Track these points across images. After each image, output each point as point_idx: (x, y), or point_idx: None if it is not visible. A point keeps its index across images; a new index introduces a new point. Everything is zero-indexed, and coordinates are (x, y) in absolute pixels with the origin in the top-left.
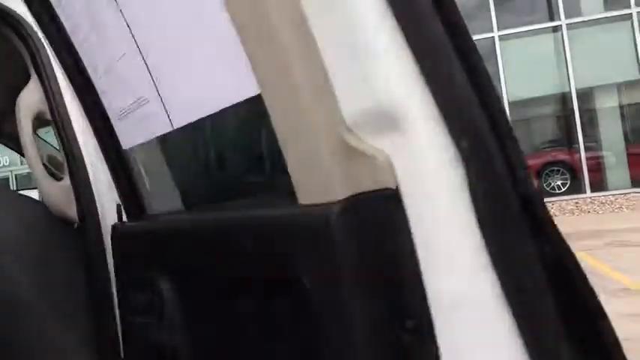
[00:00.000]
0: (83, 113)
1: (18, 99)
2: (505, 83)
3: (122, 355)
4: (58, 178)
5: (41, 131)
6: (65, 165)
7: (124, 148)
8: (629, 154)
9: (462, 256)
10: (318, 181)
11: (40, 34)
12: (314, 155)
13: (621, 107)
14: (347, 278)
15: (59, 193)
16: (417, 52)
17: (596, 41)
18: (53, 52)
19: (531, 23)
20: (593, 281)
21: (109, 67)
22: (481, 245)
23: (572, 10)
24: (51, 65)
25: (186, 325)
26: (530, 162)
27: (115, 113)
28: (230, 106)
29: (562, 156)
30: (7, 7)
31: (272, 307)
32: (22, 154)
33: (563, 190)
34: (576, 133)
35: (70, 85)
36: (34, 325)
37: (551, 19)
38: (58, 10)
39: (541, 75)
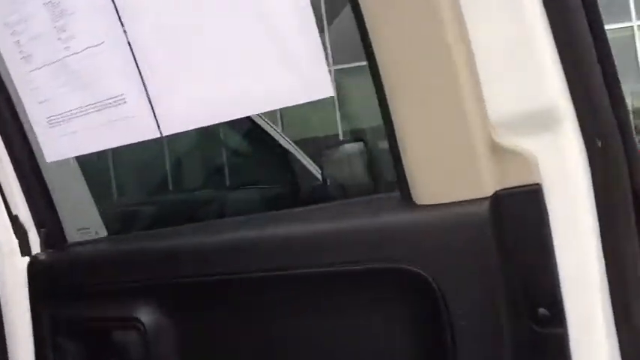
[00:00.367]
0: None
1: None
2: None
3: None
4: None
5: None
6: None
7: (48, 160)
8: None
9: (587, 245)
10: (460, 179)
11: None
12: (457, 154)
13: None
14: (494, 273)
15: None
16: (564, 56)
17: None
18: None
19: None
20: None
21: (57, 56)
22: (599, 234)
23: None
24: None
25: None
26: None
27: (44, 116)
28: None
29: None
30: None
31: (397, 310)
32: None
33: None
34: None
35: None
36: None
37: None
38: None
39: None
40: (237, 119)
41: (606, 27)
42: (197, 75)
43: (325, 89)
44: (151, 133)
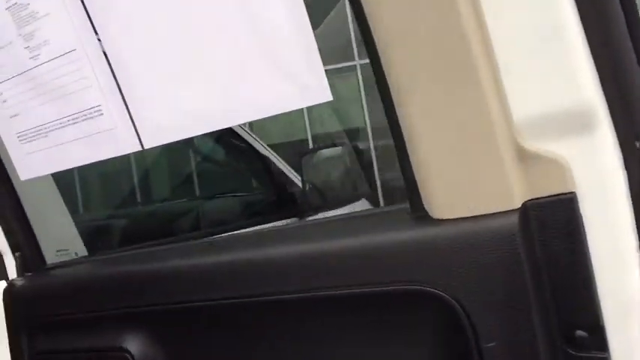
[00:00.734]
0: None
1: None
2: None
3: None
4: None
5: None
6: None
7: (22, 178)
8: None
9: (627, 258)
10: (483, 190)
11: None
12: (478, 161)
13: None
14: (526, 294)
15: None
16: (597, 51)
17: None
18: None
19: None
20: None
21: (25, 67)
22: (638, 247)
23: None
24: None
25: None
26: None
27: (15, 132)
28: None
29: None
30: None
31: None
32: None
33: None
34: None
35: None
36: None
37: None
38: None
39: None
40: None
41: None
42: (180, 83)
43: (323, 94)
44: (131, 147)
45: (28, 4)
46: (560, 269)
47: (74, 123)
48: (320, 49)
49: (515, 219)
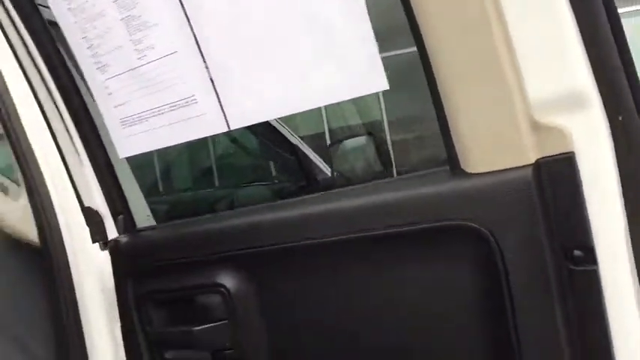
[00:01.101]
0: (43, 127)
1: None
2: None
3: None
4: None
5: None
6: (22, 184)
7: (121, 157)
8: None
9: (612, 200)
10: (506, 156)
11: None
12: (503, 130)
13: None
14: (538, 224)
15: (16, 215)
16: (588, 46)
17: None
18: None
19: None
20: None
21: (132, 65)
22: (620, 192)
23: None
24: (2, 79)
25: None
26: None
27: (118, 118)
28: None
29: None
30: None
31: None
32: None
33: None
34: None
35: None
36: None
37: None
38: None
39: None
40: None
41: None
42: (261, 74)
43: (380, 83)
44: (219, 128)
45: (140, 15)
46: (562, 206)
47: (171, 110)
48: None
49: (529, 171)
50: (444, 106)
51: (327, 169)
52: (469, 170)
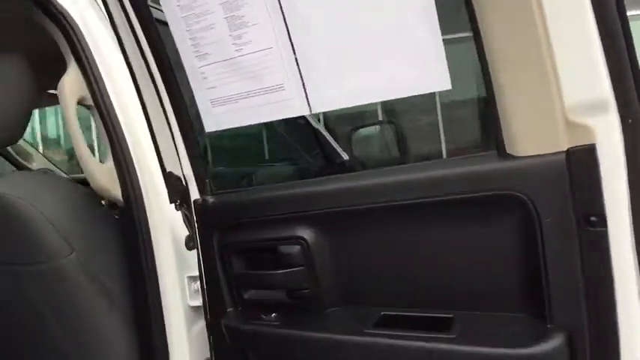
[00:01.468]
0: (132, 100)
1: (60, 85)
2: None
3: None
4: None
5: None
6: (108, 148)
7: (207, 130)
8: None
9: (620, 182)
10: (545, 142)
11: (81, 24)
12: (542, 121)
13: None
14: (567, 196)
15: (104, 176)
16: (609, 60)
17: None
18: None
19: None
20: None
21: (229, 56)
22: (626, 176)
23: None
24: (91, 53)
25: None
26: None
27: (209, 99)
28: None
29: None
30: None
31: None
32: None
33: None
34: None
35: (156, 71)
36: (76, 295)
37: None
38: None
39: None
40: None
41: None
42: (342, 67)
43: (444, 83)
44: (302, 111)
45: (243, 16)
46: (585, 184)
47: (260, 95)
48: None
49: (563, 156)
50: (497, 103)
51: (341, 152)
52: (514, 154)
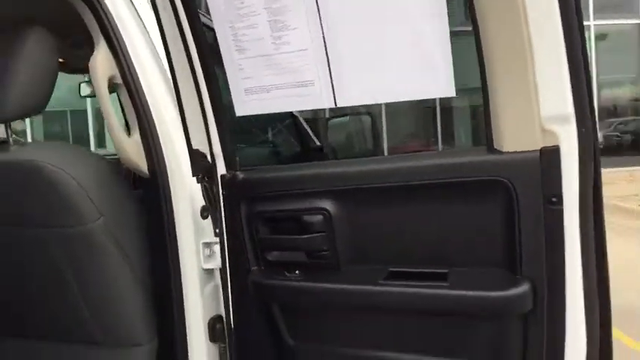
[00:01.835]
0: (162, 79)
1: (91, 62)
2: None
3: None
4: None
5: None
6: (135, 123)
7: (238, 114)
8: None
9: (573, 174)
10: (525, 142)
11: (110, 5)
12: (524, 125)
13: None
14: (539, 182)
15: (132, 148)
16: (572, 83)
17: None
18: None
19: None
20: None
21: (267, 52)
22: (578, 169)
23: None
24: (120, 34)
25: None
26: None
27: (243, 87)
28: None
29: None
30: None
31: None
32: None
33: None
34: None
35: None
36: (102, 258)
37: None
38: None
39: None
40: None
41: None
42: (365, 69)
43: (450, 90)
44: (327, 104)
45: (285, 20)
46: (551, 173)
47: (291, 88)
48: None
49: (537, 153)
50: (490, 109)
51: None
52: (500, 149)
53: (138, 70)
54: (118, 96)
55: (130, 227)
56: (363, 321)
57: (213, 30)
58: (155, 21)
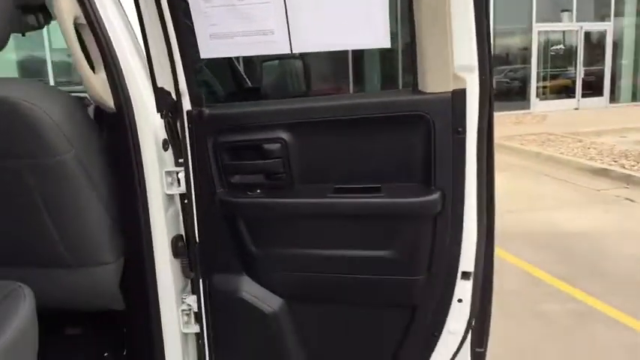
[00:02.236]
0: (122, 20)
1: (55, 5)
2: None
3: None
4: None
5: None
6: (100, 61)
7: (202, 56)
8: None
9: (474, 110)
10: (441, 85)
11: None
12: (441, 72)
13: None
14: (449, 117)
15: (98, 85)
16: (478, 33)
17: None
18: None
19: None
20: None
21: (230, 3)
22: (478, 106)
23: None
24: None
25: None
26: None
27: (208, 33)
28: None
29: None
30: None
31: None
32: None
33: None
34: None
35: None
36: (72, 187)
37: None
38: None
39: None
40: None
41: None
42: (318, 21)
43: (385, 42)
44: (285, 50)
45: None
46: (458, 110)
47: (253, 35)
48: None
49: (450, 94)
50: (417, 59)
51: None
52: (423, 90)
53: (100, 11)
54: (81, 37)
55: (97, 159)
56: (313, 228)
57: None
58: None
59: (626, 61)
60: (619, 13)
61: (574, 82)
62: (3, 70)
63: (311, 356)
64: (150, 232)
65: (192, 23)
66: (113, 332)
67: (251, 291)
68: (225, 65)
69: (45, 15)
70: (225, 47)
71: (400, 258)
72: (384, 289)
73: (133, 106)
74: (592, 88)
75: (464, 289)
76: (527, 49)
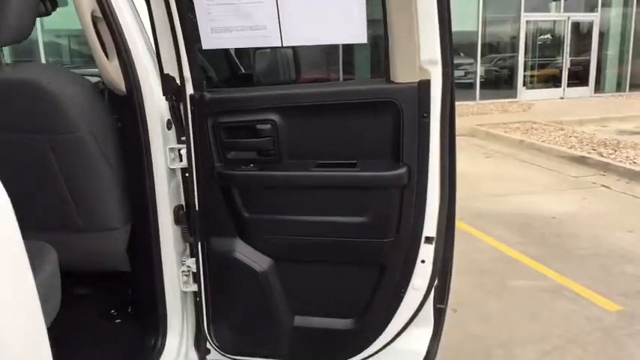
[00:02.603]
0: (132, 15)
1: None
2: None
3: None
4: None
5: None
6: (114, 51)
7: (204, 47)
8: None
9: (437, 97)
10: (409, 76)
11: None
12: (409, 65)
13: None
14: (416, 103)
15: (112, 71)
16: (441, 31)
17: None
18: None
19: None
20: None
21: (230, 2)
22: (441, 95)
23: None
24: None
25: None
26: None
27: (209, 27)
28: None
29: None
30: None
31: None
32: None
33: None
34: None
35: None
36: (87, 160)
37: None
38: None
39: None
40: None
41: None
42: (304, 18)
43: (363, 38)
44: (276, 43)
45: None
46: (423, 97)
47: (248, 30)
48: None
49: (416, 84)
50: (390, 53)
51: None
52: (394, 80)
53: (114, 6)
54: (97, 29)
55: (110, 136)
56: (298, 197)
57: None
58: None
59: (612, 51)
60: (606, 4)
61: (560, 72)
62: None
63: (295, 308)
64: (155, 202)
65: (195, 18)
66: (120, 292)
67: (244, 252)
68: (220, 53)
69: (53, 2)
70: (224, 40)
71: (372, 223)
72: (358, 250)
73: (142, 89)
74: (578, 77)
75: (427, 252)
76: (515, 39)
